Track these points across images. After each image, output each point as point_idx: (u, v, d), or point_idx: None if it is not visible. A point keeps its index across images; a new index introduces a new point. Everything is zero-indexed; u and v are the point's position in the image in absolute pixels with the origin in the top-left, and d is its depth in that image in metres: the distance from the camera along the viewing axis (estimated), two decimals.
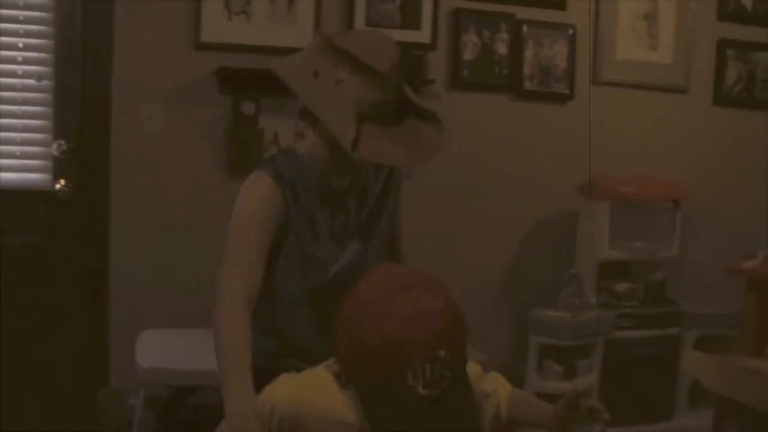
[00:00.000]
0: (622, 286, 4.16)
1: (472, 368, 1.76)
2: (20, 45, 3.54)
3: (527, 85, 4.22)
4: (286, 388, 1.75)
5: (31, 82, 3.56)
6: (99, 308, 3.67)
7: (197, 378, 3.08)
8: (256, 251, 2.03)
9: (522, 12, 4.18)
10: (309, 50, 2.03)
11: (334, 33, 2.05)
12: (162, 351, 3.19)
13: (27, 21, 3.54)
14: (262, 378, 1.90)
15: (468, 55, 4.10)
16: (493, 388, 1.79)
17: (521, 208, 4.21)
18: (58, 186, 3.63)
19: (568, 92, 4.30)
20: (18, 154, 3.59)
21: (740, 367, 2.93)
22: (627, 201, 4.10)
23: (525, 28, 4.18)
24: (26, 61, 3.56)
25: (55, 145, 3.60)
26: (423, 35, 3.99)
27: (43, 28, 3.56)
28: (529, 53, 4.21)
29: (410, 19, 3.97)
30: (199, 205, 3.74)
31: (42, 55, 3.57)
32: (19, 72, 3.55)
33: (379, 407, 1.46)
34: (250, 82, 3.70)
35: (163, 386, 3.13)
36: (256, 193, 2.05)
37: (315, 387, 1.69)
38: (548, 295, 4.06)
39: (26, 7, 3.54)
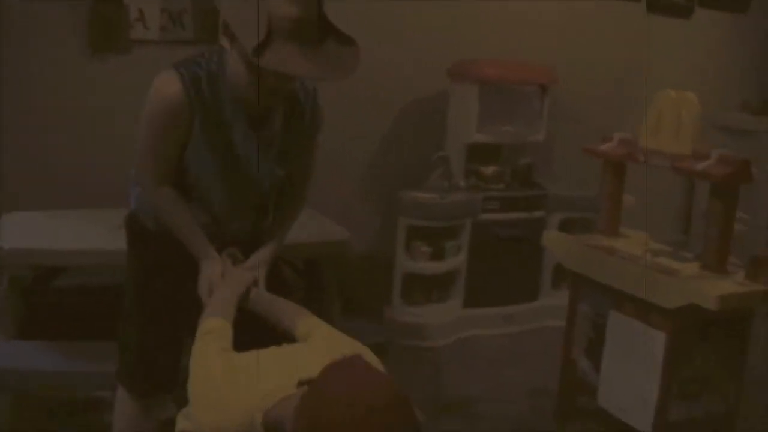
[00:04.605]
0: (489, 169, 4.25)
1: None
2: None
3: None
4: None
5: None
6: None
7: (61, 258, 3.06)
8: (164, 145, 2.14)
9: None
10: None
11: None
12: (26, 232, 3.14)
13: None
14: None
15: None
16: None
17: (392, 91, 4.22)
18: None
19: None
20: None
21: (595, 245, 3.07)
22: (494, 84, 4.15)
23: None
24: None
25: None
26: None
27: None
28: None
29: None
30: (63, 85, 3.64)
31: None
32: None
33: None
34: None
35: (27, 268, 3.07)
36: (163, 97, 2.09)
37: None
38: (417, 177, 4.12)
39: None
